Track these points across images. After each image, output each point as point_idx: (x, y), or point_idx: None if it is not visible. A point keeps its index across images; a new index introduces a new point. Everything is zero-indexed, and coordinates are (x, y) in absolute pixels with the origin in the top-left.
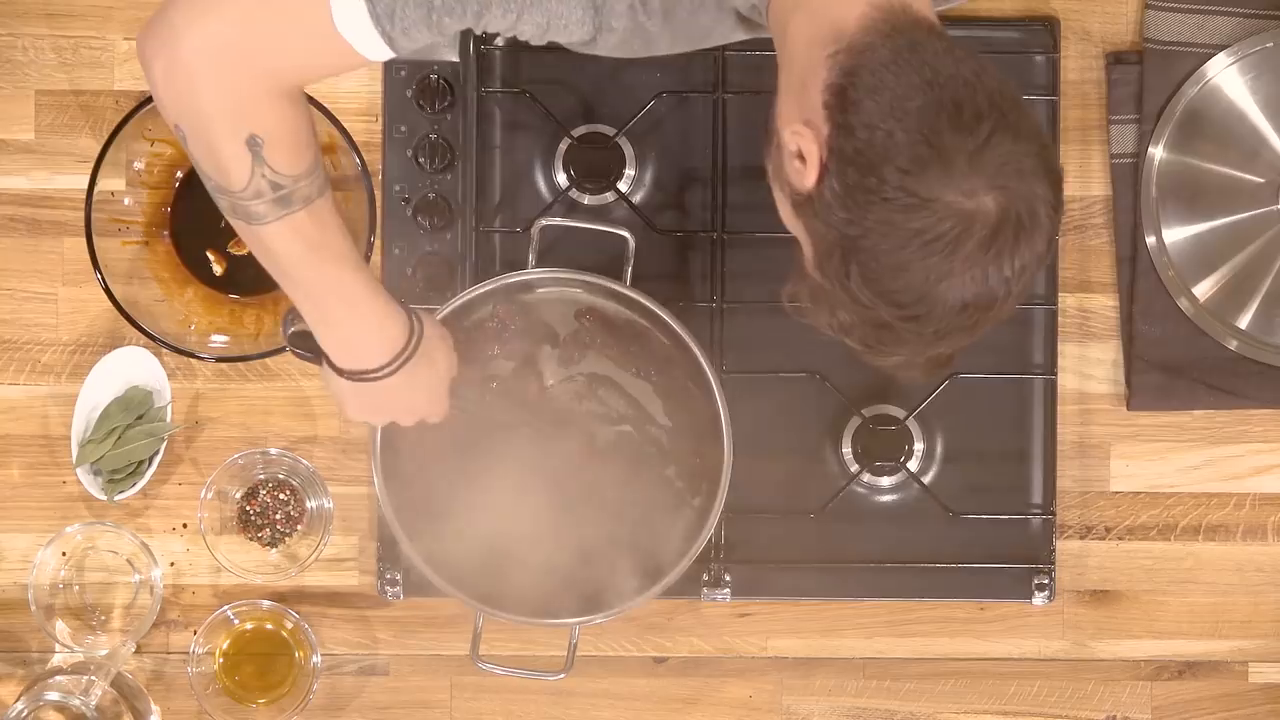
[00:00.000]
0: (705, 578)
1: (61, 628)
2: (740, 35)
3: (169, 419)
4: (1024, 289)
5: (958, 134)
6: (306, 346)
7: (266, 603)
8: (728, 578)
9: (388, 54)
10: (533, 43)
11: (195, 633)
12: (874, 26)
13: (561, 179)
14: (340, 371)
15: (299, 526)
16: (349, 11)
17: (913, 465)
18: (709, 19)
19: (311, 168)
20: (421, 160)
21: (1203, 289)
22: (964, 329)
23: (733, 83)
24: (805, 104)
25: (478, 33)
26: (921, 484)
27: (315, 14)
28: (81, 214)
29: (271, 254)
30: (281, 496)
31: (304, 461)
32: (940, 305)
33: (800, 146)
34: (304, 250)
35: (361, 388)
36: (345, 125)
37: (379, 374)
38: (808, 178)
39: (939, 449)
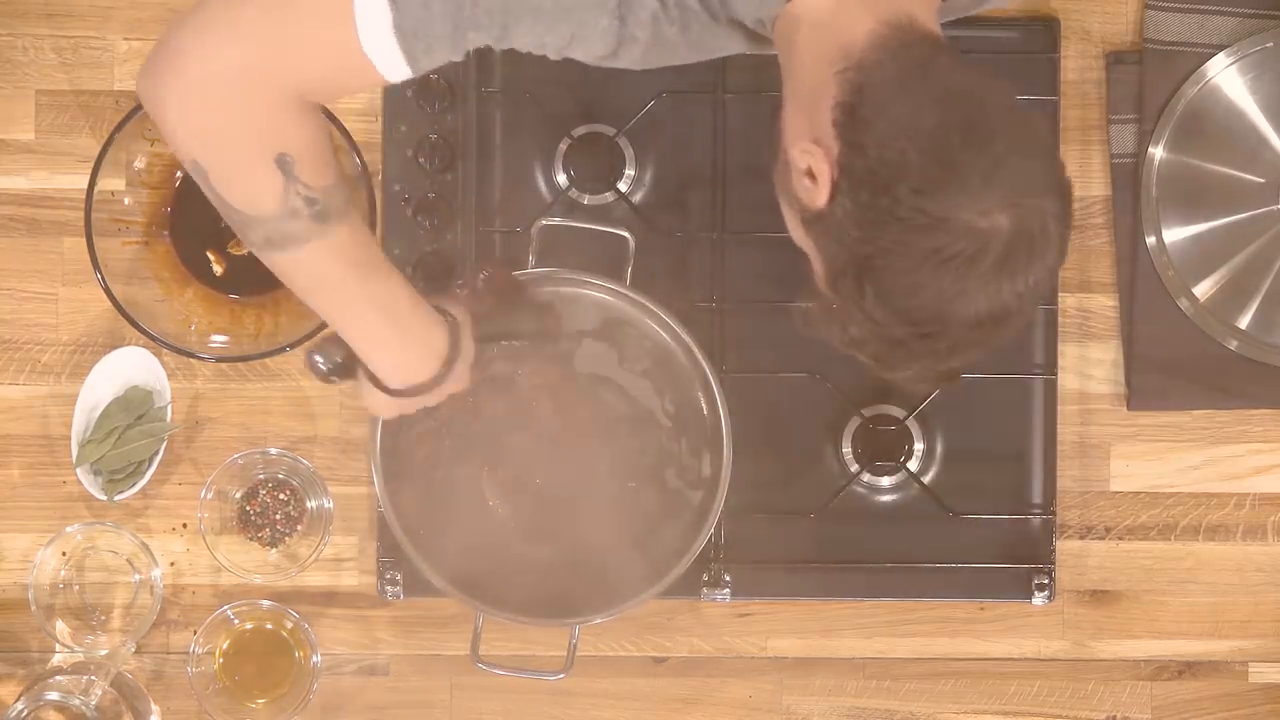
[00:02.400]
0: (705, 578)
1: (61, 628)
2: (746, 49)
3: (169, 419)
4: (1036, 302)
5: (970, 152)
6: (338, 371)
7: (266, 603)
8: (728, 578)
9: (406, 74)
10: (551, 57)
11: (195, 633)
12: (882, 43)
13: (561, 179)
14: (388, 390)
15: (299, 526)
16: (374, 29)
17: (913, 465)
18: (724, 32)
19: (339, 177)
20: (421, 160)
21: (1203, 289)
22: (977, 344)
23: (733, 83)
24: (814, 121)
25: (498, 50)
26: (921, 484)
27: (341, 33)
28: (81, 214)
29: (313, 279)
30: (281, 496)
31: (304, 461)
32: (954, 322)
33: (811, 165)
34: (345, 269)
35: (406, 400)
36: (345, 125)
37: (427, 387)
38: (819, 196)
39: (939, 449)
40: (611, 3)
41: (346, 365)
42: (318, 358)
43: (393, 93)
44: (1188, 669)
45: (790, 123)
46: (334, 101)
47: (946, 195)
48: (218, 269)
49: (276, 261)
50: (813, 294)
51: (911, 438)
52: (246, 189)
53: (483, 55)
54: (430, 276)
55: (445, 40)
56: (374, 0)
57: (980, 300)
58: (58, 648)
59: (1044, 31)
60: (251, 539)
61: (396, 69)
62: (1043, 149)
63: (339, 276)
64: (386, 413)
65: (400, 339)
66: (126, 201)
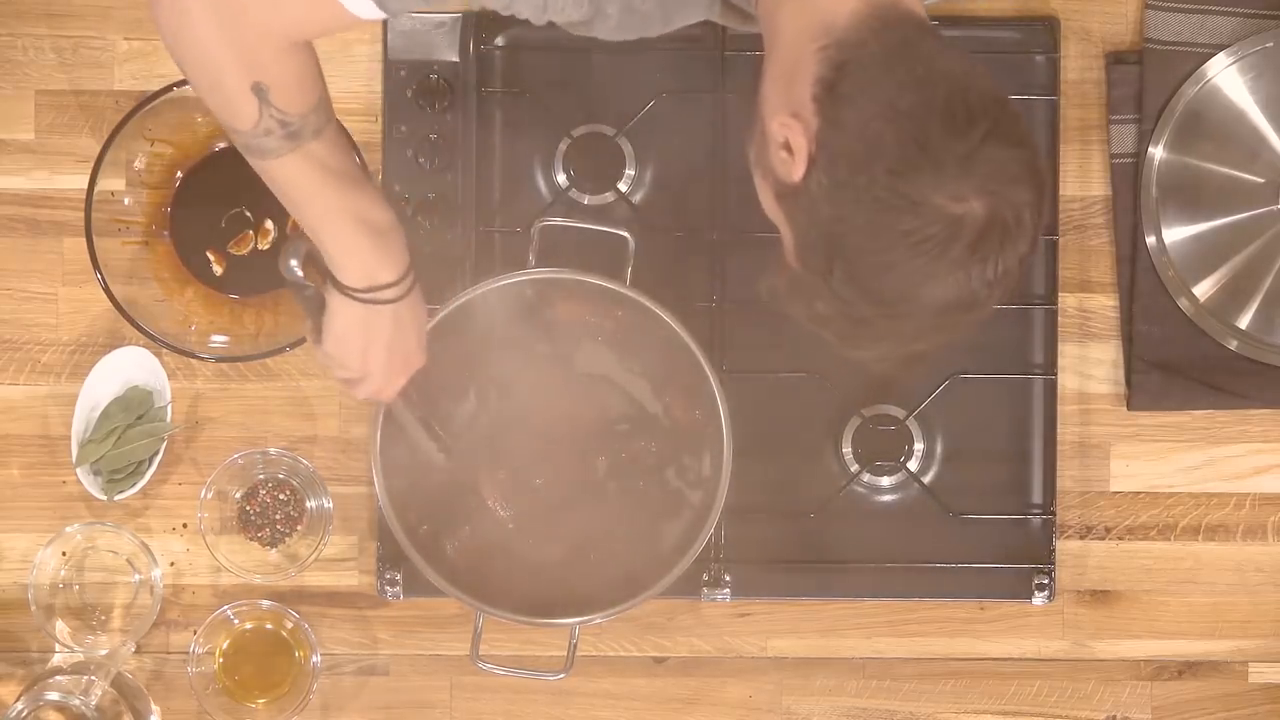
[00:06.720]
0: (705, 578)
1: (61, 628)
2: (721, 20)
3: (169, 419)
4: (1005, 291)
5: (949, 137)
6: (308, 278)
7: (266, 603)
8: (728, 578)
9: (378, 13)
10: (532, 21)
11: (195, 633)
12: (864, 22)
13: (561, 179)
14: (353, 293)
15: (299, 526)
16: None
17: (913, 465)
18: (703, 5)
19: (318, 103)
20: (421, 160)
21: (1203, 289)
22: (942, 329)
23: (733, 83)
24: (793, 96)
25: (474, 7)
26: (921, 484)
27: None
28: (81, 214)
29: (285, 184)
30: (281, 496)
31: (304, 461)
32: (922, 305)
33: (788, 138)
34: (318, 177)
35: (372, 314)
36: (345, 125)
37: (393, 287)
38: (794, 170)
39: (939, 449)
40: None
41: (316, 294)
42: (292, 261)
43: (393, 93)
44: (1188, 669)
45: (769, 95)
46: (319, 38)
47: (922, 178)
48: (218, 269)
49: (254, 164)
50: (781, 267)
51: (911, 438)
52: (226, 103)
53: (483, 55)
54: (430, 277)
55: None
56: None
57: (949, 285)
58: (58, 648)
59: (1044, 31)
60: (251, 539)
61: (365, 8)
62: (1022, 138)
63: (309, 184)
64: (355, 342)
65: (370, 243)
66: (126, 201)
